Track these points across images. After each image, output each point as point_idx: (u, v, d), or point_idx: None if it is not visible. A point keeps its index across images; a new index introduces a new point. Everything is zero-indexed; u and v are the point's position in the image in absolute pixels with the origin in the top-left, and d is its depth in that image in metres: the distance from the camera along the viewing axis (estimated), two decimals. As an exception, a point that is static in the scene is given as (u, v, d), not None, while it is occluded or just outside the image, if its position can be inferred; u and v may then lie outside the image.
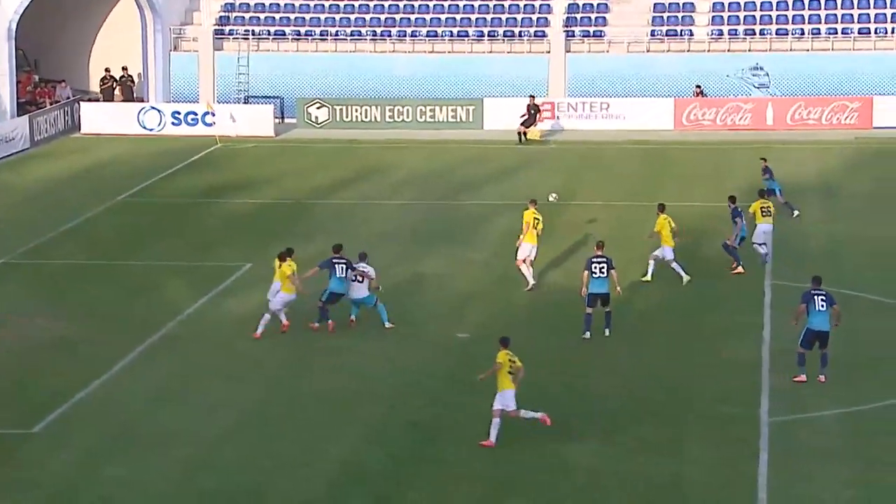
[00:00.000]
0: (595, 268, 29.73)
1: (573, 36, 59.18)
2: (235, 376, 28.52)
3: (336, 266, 30.10)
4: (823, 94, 56.51)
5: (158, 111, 57.20)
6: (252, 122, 56.35)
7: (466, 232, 39.46)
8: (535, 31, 59.82)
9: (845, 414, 26.10)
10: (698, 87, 57.10)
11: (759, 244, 35.82)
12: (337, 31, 60.49)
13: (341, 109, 57.41)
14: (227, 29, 60.90)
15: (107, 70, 60.31)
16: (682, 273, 34.04)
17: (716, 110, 55.99)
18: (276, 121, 57.27)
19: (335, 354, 29.09)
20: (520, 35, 59.75)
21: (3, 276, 36.48)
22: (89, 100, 59.32)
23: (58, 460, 24.37)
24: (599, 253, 30.15)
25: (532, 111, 54.57)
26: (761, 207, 36.17)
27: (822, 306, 27.25)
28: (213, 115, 55.85)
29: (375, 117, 57.22)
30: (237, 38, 60.21)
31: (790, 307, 32.18)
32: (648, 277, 34.08)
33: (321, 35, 60.43)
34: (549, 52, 58.82)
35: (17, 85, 56.79)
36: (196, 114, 56.69)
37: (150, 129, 56.75)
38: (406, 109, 57.14)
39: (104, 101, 59.31)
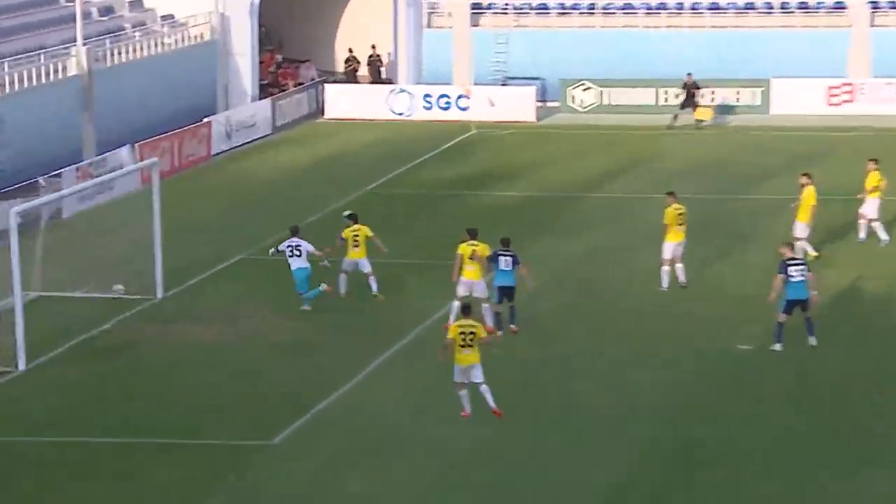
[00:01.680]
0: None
1: (878, 7, 57.94)
2: (491, 382, 28.70)
3: (500, 259, 31.45)
4: None
5: (408, 94, 58.06)
6: (511, 107, 56.76)
7: (748, 230, 38.97)
8: (834, 2, 58.75)
9: None
10: None
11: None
12: (606, 5, 60.45)
13: (609, 92, 57.41)
14: (485, 3, 61.43)
15: (350, 51, 61.42)
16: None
17: None
18: (538, 105, 57.59)
19: (611, 369, 29.29)
20: (816, 7, 58.77)
21: (238, 272, 37.47)
22: (335, 81, 60.41)
23: (296, 472, 24.97)
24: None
25: (690, 89, 53.76)
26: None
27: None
28: (469, 98, 56.44)
29: (648, 101, 57.03)
30: (496, 14, 60.72)
31: None
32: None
33: (588, 8, 60.46)
34: (850, 26, 57.73)
35: (259, 65, 58.25)
36: (449, 97, 57.37)
37: (399, 114, 57.65)
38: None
39: (348, 83, 60.38)
